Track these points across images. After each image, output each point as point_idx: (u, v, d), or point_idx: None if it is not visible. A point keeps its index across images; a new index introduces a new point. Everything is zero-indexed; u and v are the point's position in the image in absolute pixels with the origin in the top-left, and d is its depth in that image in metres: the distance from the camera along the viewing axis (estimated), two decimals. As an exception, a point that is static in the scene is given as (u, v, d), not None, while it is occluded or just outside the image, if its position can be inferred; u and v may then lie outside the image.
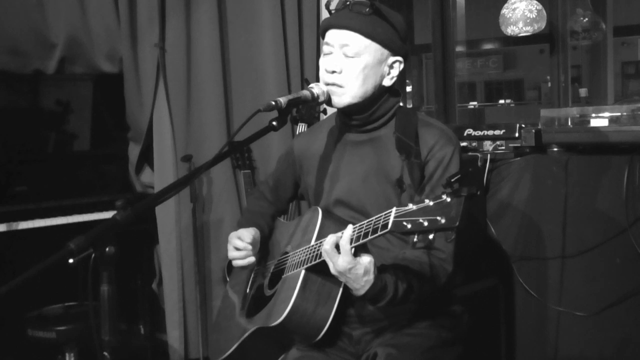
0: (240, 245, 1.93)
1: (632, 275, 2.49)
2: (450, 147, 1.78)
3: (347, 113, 1.85)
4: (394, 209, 1.44)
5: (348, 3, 1.77)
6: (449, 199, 1.34)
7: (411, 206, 1.40)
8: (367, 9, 1.74)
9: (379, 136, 1.84)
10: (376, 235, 1.49)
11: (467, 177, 1.39)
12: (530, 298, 2.73)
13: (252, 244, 1.94)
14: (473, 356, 1.99)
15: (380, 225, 1.48)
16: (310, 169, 1.96)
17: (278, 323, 1.72)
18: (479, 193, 1.36)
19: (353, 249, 1.57)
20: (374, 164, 1.82)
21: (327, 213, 1.84)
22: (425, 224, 1.36)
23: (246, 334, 1.88)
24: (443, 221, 1.33)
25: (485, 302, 2.72)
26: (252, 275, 2.08)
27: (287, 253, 1.91)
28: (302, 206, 3.39)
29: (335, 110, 1.91)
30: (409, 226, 1.38)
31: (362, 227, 1.55)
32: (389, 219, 1.44)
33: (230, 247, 1.96)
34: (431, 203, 1.36)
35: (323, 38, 1.83)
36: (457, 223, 1.32)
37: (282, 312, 1.72)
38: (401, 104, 1.88)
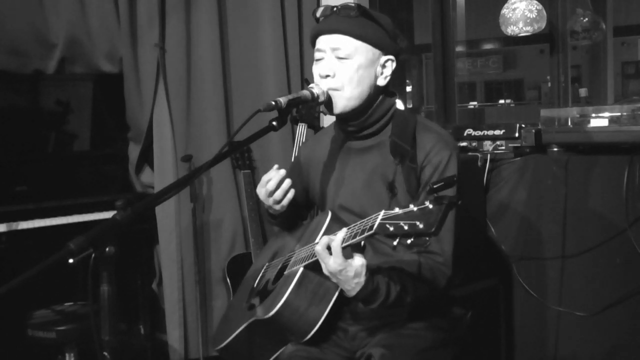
0: (271, 175, 1.84)
1: (632, 275, 2.49)
2: (446, 151, 1.78)
3: (343, 119, 1.86)
4: (382, 212, 1.46)
5: (335, 9, 1.80)
6: (431, 206, 1.37)
7: (397, 210, 1.43)
8: (355, 12, 1.77)
9: (379, 142, 1.85)
10: (363, 236, 1.52)
11: (451, 185, 1.42)
12: (530, 298, 2.72)
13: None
14: (473, 356, 1.99)
15: (368, 227, 1.51)
16: (316, 175, 1.99)
17: (269, 316, 1.76)
18: (459, 202, 1.38)
19: (347, 251, 1.59)
20: (374, 170, 1.83)
21: (335, 216, 1.87)
22: (406, 227, 1.39)
23: (244, 325, 1.93)
24: (421, 226, 1.36)
25: (485, 302, 2.72)
26: (264, 269, 2.13)
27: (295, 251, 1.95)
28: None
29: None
30: (392, 229, 1.42)
31: (354, 229, 1.58)
32: (375, 221, 1.47)
33: (261, 193, 1.86)
34: (415, 208, 1.40)
35: (313, 46, 1.85)
36: (434, 229, 1.35)
37: (275, 306, 1.75)
38: (401, 106, 1.88)
